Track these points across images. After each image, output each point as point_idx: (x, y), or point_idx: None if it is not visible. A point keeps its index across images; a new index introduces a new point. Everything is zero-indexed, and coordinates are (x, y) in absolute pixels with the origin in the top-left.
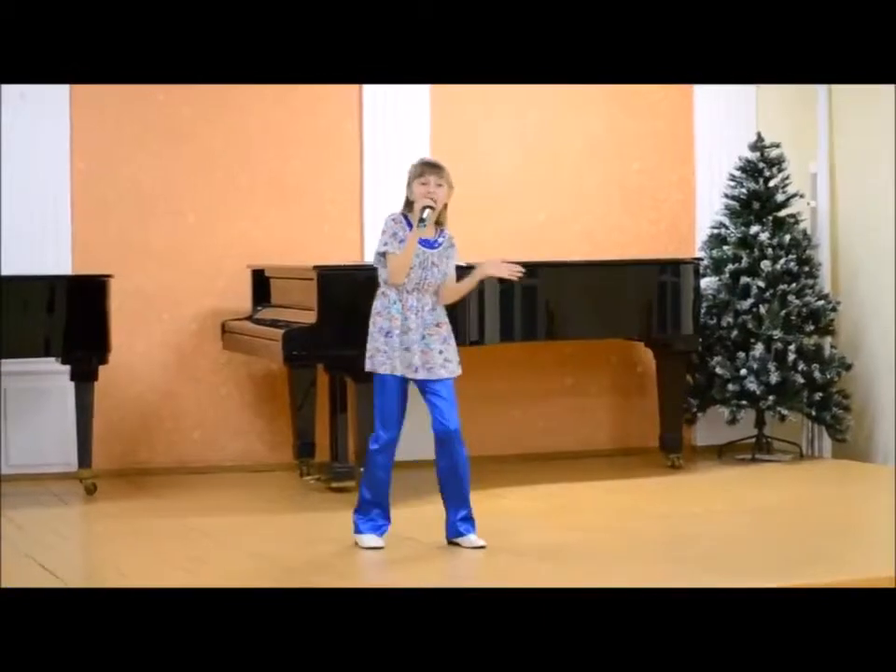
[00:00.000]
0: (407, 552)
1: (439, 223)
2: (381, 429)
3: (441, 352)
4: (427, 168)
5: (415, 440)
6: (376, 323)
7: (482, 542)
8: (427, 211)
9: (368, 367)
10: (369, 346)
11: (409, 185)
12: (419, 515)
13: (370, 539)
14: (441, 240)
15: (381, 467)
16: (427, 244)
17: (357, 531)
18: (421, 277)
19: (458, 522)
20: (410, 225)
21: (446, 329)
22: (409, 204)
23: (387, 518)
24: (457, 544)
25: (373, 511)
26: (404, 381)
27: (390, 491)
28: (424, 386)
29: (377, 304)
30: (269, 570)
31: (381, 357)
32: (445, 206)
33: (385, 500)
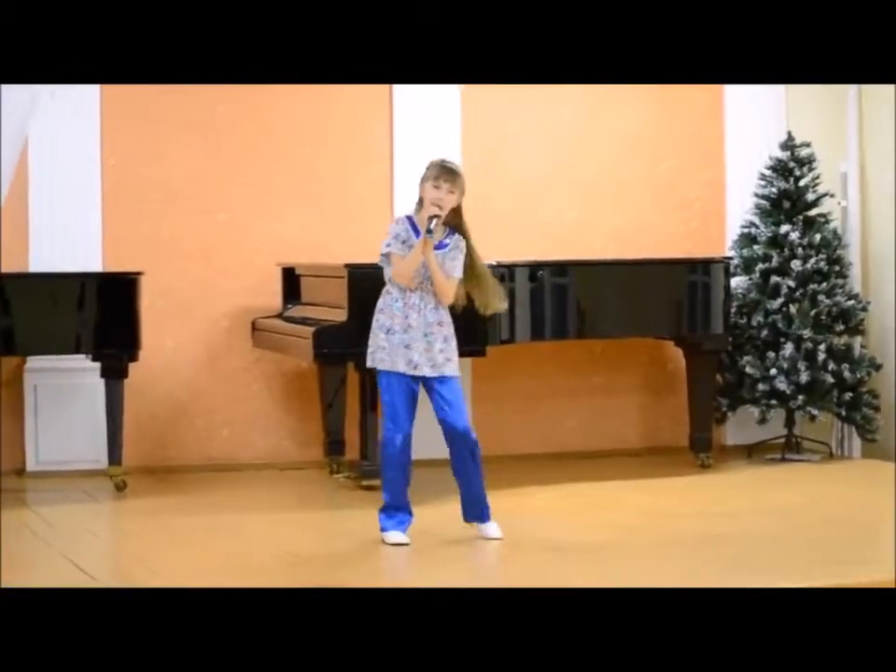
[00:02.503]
0: (432, 550)
1: (456, 225)
2: (390, 425)
3: (441, 350)
4: (444, 173)
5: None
6: (378, 320)
7: (498, 534)
8: (434, 221)
9: (368, 363)
10: (370, 343)
11: (422, 182)
12: (441, 513)
13: (394, 536)
14: (447, 241)
15: (395, 463)
16: (435, 245)
17: (382, 529)
18: (424, 276)
19: (472, 512)
20: (414, 227)
21: (448, 328)
22: (420, 202)
23: (409, 512)
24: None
25: (393, 507)
26: (410, 377)
27: (408, 486)
28: (429, 384)
29: (380, 302)
30: (298, 568)
31: (381, 353)
32: (460, 210)
33: (403, 496)
